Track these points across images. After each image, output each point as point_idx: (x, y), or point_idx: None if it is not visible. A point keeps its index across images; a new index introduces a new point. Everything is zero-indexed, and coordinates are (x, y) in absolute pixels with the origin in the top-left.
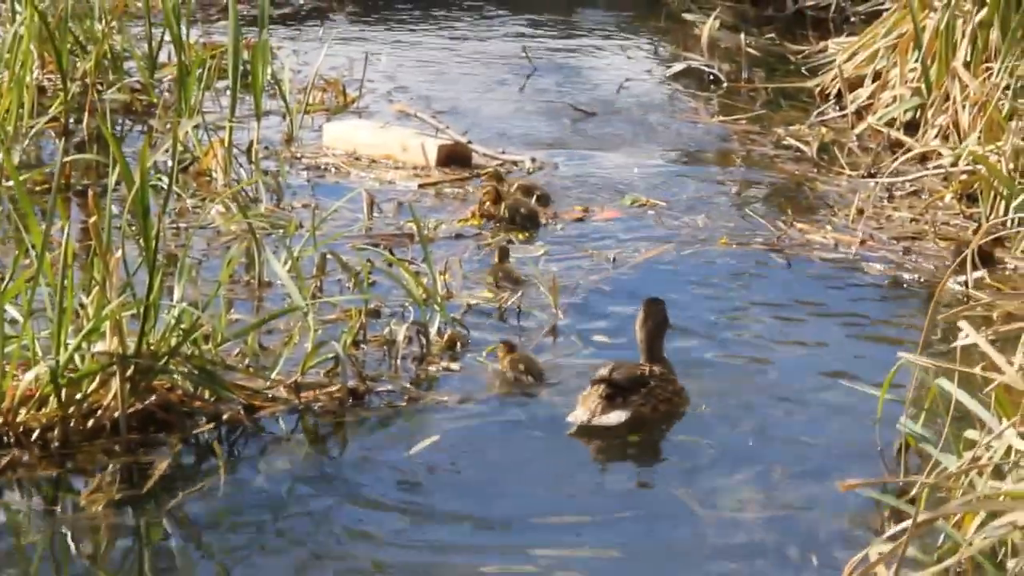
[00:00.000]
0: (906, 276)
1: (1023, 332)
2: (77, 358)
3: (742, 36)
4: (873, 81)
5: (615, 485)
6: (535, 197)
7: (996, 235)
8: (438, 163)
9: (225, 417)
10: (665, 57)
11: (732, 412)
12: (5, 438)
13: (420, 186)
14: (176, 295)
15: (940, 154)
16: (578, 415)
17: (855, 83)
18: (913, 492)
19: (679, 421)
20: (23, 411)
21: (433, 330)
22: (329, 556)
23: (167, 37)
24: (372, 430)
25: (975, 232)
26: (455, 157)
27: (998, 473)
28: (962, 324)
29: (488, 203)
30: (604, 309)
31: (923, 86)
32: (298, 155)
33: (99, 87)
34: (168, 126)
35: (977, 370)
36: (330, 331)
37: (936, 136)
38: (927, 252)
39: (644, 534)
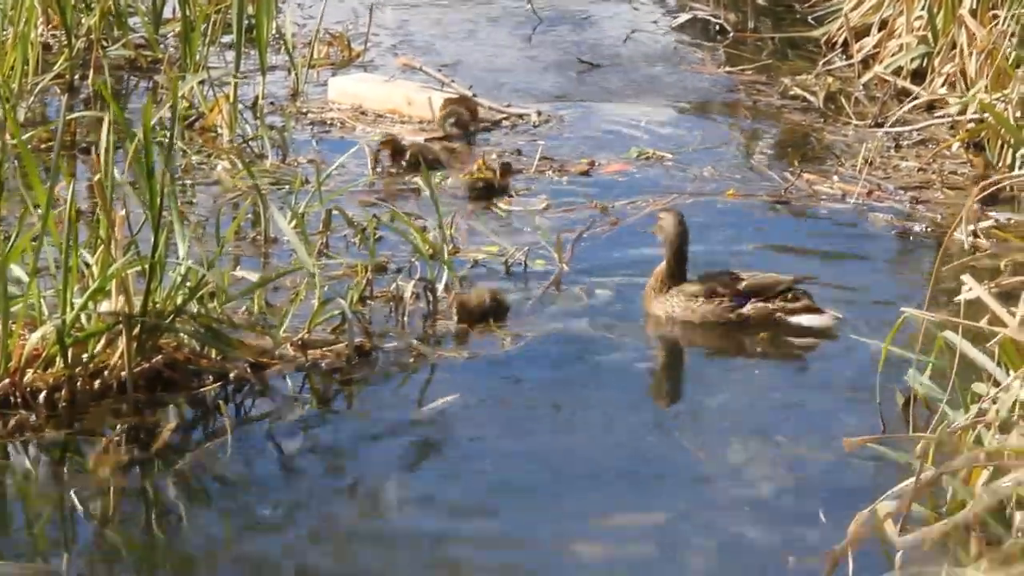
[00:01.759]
0: (913, 226)
1: None
2: (83, 317)
3: None
4: (879, 29)
5: (624, 441)
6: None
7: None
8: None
9: (232, 376)
10: (671, 7)
11: (738, 365)
12: (12, 399)
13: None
14: (181, 253)
15: (947, 103)
16: (825, 319)
17: (861, 32)
18: (919, 447)
19: (686, 378)
20: (30, 371)
21: (440, 286)
22: (339, 516)
23: None
24: (379, 388)
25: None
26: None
27: (1006, 426)
28: (965, 278)
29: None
30: (609, 261)
31: (929, 34)
32: (303, 110)
33: (103, 43)
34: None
35: (982, 324)
36: (336, 288)
37: (943, 84)
38: (935, 201)
39: (654, 490)
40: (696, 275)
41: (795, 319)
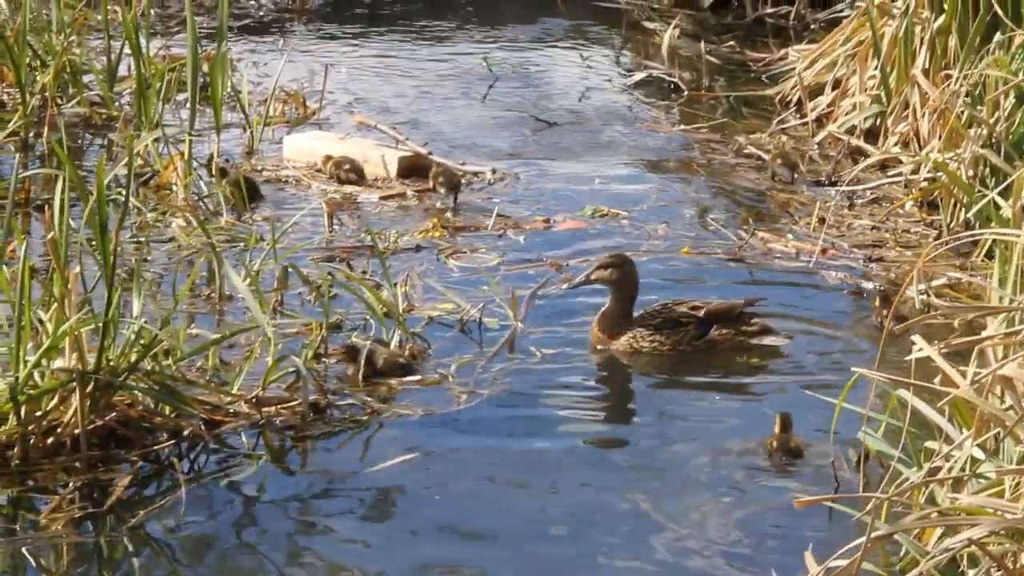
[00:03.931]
0: (867, 285)
1: (980, 343)
2: (36, 375)
3: (702, 44)
4: (833, 89)
5: (578, 498)
6: None
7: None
8: (399, 175)
9: (186, 433)
10: (626, 66)
11: (689, 423)
12: None
13: (381, 198)
14: (135, 310)
15: (900, 161)
16: (781, 339)
17: (815, 91)
18: (870, 506)
19: (640, 433)
20: None
21: (394, 343)
22: (292, 575)
23: (126, 50)
24: (334, 444)
25: (935, 239)
26: (416, 169)
27: (959, 484)
28: (915, 338)
29: None
30: (563, 319)
31: (883, 93)
32: (259, 168)
33: (58, 101)
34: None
35: (934, 383)
36: (291, 345)
37: (896, 143)
38: (888, 260)
39: (606, 547)
40: (639, 313)
41: (756, 340)
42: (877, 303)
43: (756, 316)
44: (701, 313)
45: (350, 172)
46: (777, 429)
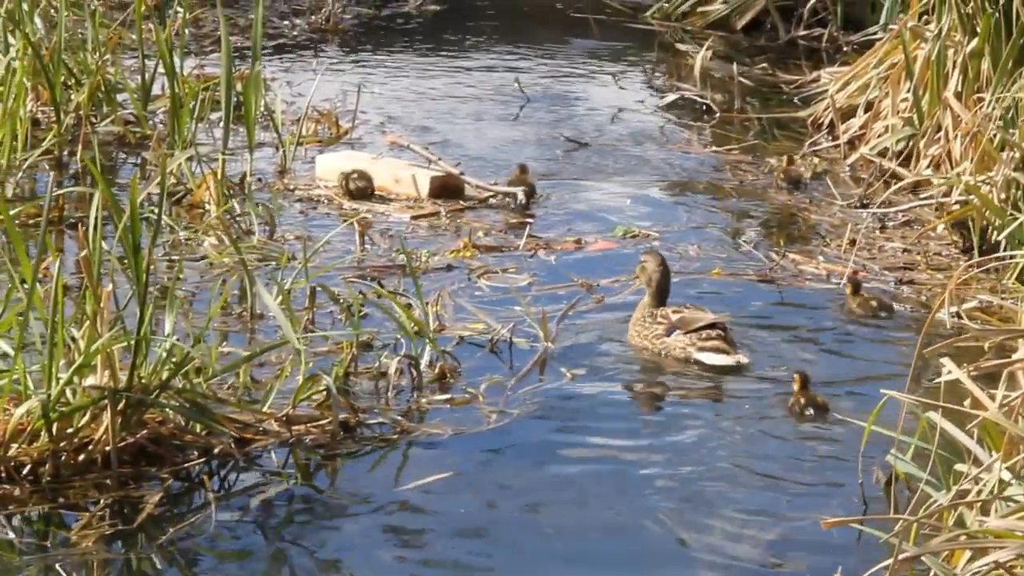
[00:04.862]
0: (897, 307)
1: (1010, 366)
2: (68, 392)
3: (735, 66)
4: (865, 111)
5: (607, 520)
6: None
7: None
8: (430, 195)
9: (216, 451)
10: (658, 87)
11: (719, 444)
12: None
13: (413, 218)
14: (167, 328)
15: (932, 184)
16: (728, 359)
17: (847, 113)
18: (897, 528)
19: (668, 452)
20: (14, 446)
21: (424, 362)
22: None
23: (160, 69)
24: (364, 463)
25: (966, 262)
26: (447, 189)
27: (987, 506)
28: (944, 360)
29: None
30: (594, 339)
31: (915, 116)
32: (291, 187)
33: (92, 119)
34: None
35: (964, 405)
36: (321, 363)
37: (928, 166)
38: (919, 282)
39: (634, 567)
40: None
41: (699, 355)
42: (849, 291)
43: (724, 331)
44: (675, 318)
45: (359, 180)
46: (796, 387)
